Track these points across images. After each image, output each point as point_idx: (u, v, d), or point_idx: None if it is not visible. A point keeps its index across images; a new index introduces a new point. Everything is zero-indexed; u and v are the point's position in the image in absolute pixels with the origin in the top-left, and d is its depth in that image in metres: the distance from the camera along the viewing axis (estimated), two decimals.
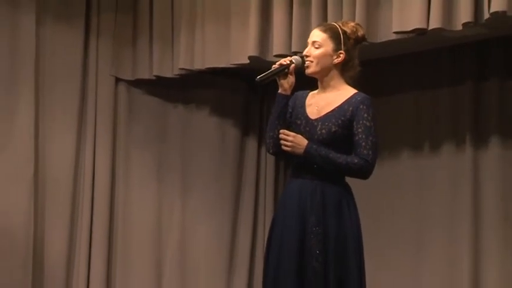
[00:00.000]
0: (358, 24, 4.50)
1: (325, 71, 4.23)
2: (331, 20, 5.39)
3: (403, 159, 6.29)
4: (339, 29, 4.25)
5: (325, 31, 4.24)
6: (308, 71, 4.22)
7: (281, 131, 4.20)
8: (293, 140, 4.15)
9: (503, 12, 4.85)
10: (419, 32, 5.24)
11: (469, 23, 5.02)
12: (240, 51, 5.95)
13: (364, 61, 5.11)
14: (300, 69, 4.25)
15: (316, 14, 5.61)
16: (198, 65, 6.21)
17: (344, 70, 4.26)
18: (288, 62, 4.21)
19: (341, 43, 4.21)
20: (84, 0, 6.56)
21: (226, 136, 6.82)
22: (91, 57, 6.59)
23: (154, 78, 6.53)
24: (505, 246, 5.78)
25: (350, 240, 4.18)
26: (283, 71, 4.21)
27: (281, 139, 4.18)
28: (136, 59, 6.59)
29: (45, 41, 6.43)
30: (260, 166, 6.86)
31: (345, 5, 5.51)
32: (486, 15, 4.96)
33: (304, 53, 4.25)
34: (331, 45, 4.19)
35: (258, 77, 4.21)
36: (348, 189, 4.27)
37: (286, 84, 4.22)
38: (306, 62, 4.22)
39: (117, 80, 6.65)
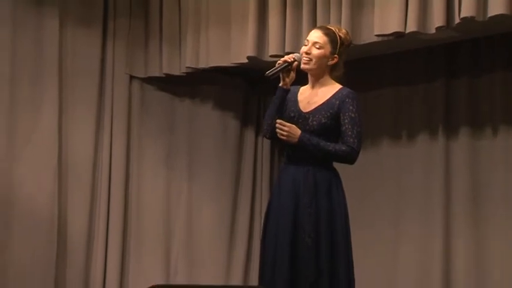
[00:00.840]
0: (348, 31, 4.53)
1: (319, 70, 4.26)
2: (320, 22, 5.44)
3: (383, 147, 6.27)
4: (337, 35, 4.28)
5: (326, 35, 4.27)
6: (305, 67, 4.24)
7: (277, 121, 4.19)
8: (288, 130, 4.16)
9: (472, 18, 4.89)
10: (398, 35, 5.25)
11: (441, 27, 5.06)
12: (239, 51, 5.96)
13: (350, 60, 5.11)
14: (298, 65, 4.25)
15: (306, 19, 5.62)
16: (203, 64, 6.21)
17: (332, 70, 4.30)
18: (292, 60, 4.22)
19: (337, 48, 4.26)
20: (102, 6, 6.54)
21: (228, 127, 6.83)
22: (108, 57, 6.58)
23: (164, 75, 6.53)
24: (473, 225, 5.79)
25: (338, 219, 4.20)
26: (287, 67, 4.21)
27: (277, 128, 4.16)
28: (148, 59, 6.59)
29: (67, 42, 6.41)
30: (257, 154, 6.86)
31: (332, 11, 5.51)
32: (457, 20, 4.99)
33: (305, 50, 4.25)
34: (329, 49, 4.24)
35: (267, 72, 4.23)
36: (336, 174, 4.29)
37: (288, 79, 4.23)
38: (305, 59, 4.22)
39: (131, 77, 6.64)
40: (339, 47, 4.27)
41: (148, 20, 6.60)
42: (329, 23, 5.42)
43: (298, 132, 4.16)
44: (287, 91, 4.26)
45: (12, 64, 6.20)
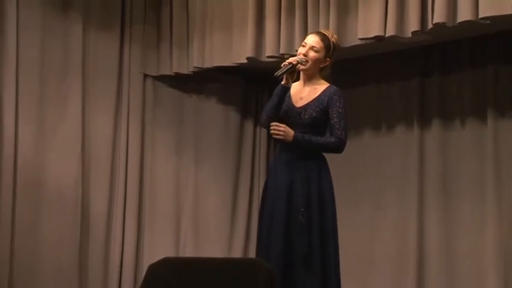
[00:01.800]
0: (337, 37, 4.53)
1: (313, 71, 4.26)
2: (310, 30, 5.40)
3: (365, 138, 6.29)
4: (331, 41, 4.28)
5: (322, 40, 4.26)
6: (302, 67, 4.21)
7: (272, 123, 4.15)
8: (284, 130, 4.13)
9: (443, 23, 4.92)
10: (378, 39, 5.26)
11: (416, 31, 5.08)
12: (239, 53, 5.96)
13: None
14: (300, 67, 4.23)
15: (298, 24, 5.60)
16: (208, 64, 6.21)
17: (322, 70, 4.30)
18: (296, 62, 4.20)
19: (330, 53, 4.26)
20: (120, 14, 6.53)
21: (229, 120, 6.85)
22: (125, 58, 6.57)
23: (173, 74, 6.53)
24: (443, 206, 5.83)
25: (327, 200, 4.22)
26: (292, 69, 4.19)
27: (272, 129, 4.14)
28: (160, 60, 6.60)
29: (90, 45, 6.39)
30: (255, 143, 6.88)
31: (321, 17, 5.49)
32: (430, 25, 5.02)
33: (303, 52, 4.22)
34: (324, 53, 4.24)
35: (276, 73, 4.19)
36: (324, 161, 4.29)
37: (291, 78, 4.22)
38: (304, 60, 4.20)
39: (145, 76, 6.64)
40: (331, 52, 4.29)
41: (160, 25, 6.61)
42: (318, 28, 5.43)
43: (292, 132, 4.15)
44: (288, 89, 4.25)
45: (41, 64, 6.19)
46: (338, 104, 4.21)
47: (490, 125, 5.63)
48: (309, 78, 4.31)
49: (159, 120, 6.70)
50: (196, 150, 6.75)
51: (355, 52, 5.75)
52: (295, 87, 4.33)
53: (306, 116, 4.23)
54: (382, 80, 6.21)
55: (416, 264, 5.86)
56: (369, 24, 5.26)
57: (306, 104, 4.26)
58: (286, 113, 4.26)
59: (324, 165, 4.28)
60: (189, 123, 6.77)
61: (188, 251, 6.55)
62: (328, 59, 4.28)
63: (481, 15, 4.82)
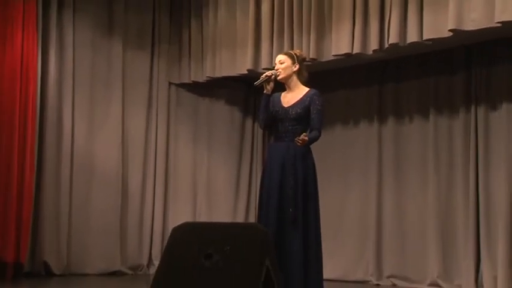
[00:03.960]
0: (301, 51, 4.51)
1: (288, 77, 4.15)
2: (296, 48, 5.37)
3: (337, 130, 6.23)
4: (292, 53, 4.22)
5: (285, 54, 4.22)
6: (279, 77, 4.14)
7: (303, 138, 3.96)
8: (305, 139, 3.94)
9: (397, 43, 4.93)
10: (347, 55, 5.26)
11: (376, 49, 5.08)
12: (242, 66, 5.94)
13: (316, 72, 5.28)
14: (275, 78, 4.15)
15: (286, 44, 5.60)
16: (217, 74, 6.19)
17: (299, 76, 4.18)
18: (271, 74, 4.14)
19: (295, 60, 4.15)
20: (150, 37, 6.53)
21: (234, 117, 6.82)
22: (154, 70, 6.57)
23: (191, 82, 6.53)
24: (396, 181, 5.81)
25: (311, 178, 4.13)
26: (268, 80, 4.13)
27: (301, 140, 3.96)
28: (181, 71, 6.58)
29: (128, 60, 6.41)
30: (254, 134, 6.85)
31: (303, 39, 5.49)
32: (386, 45, 5.02)
33: (276, 68, 4.16)
34: (290, 61, 4.14)
35: (255, 82, 4.15)
36: (309, 148, 4.17)
37: (269, 87, 4.15)
38: (277, 72, 4.13)
39: (170, 83, 6.63)
40: (296, 59, 4.19)
41: (181, 45, 6.61)
42: (301, 47, 5.44)
43: (306, 138, 4.00)
44: (269, 96, 4.19)
45: (91, 75, 6.21)
46: (317, 102, 4.12)
47: (431, 121, 5.64)
48: (290, 86, 4.22)
49: (180, 117, 6.69)
50: (209, 140, 6.74)
51: (330, 65, 5.73)
52: (284, 95, 4.26)
53: (293, 113, 4.14)
54: (350, 86, 6.20)
55: (376, 225, 5.86)
56: (340, 44, 5.28)
57: (293, 104, 4.16)
58: (278, 112, 4.18)
59: (308, 150, 4.17)
60: (203, 120, 6.75)
61: (202, 217, 6.54)
62: (296, 63, 4.19)
63: (424, 38, 4.85)
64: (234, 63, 6.03)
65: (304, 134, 3.98)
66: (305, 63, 4.29)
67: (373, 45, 5.07)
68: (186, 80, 6.56)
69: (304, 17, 5.51)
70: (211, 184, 6.66)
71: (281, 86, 4.29)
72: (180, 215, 6.32)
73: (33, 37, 5.66)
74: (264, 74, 4.19)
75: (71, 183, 6.00)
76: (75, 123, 6.08)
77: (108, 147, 6.25)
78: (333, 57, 5.38)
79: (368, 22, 5.13)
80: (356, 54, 5.20)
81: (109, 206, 6.18)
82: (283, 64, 4.18)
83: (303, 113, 4.13)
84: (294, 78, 4.19)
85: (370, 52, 5.14)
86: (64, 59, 6.03)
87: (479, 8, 4.51)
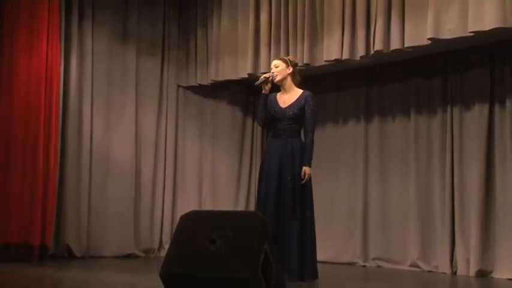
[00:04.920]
0: (294, 57, 4.58)
1: (284, 79, 4.22)
2: (291, 54, 5.38)
3: (328, 128, 6.21)
4: (286, 58, 4.32)
5: (279, 59, 4.34)
6: (276, 80, 4.21)
7: (307, 170, 4.05)
8: (309, 173, 4.08)
9: (381, 50, 4.93)
10: (337, 61, 5.25)
11: (363, 56, 5.07)
12: (243, 70, 5.90)
13: (310, 76, 5.30)
14: (272, 80, 4.24)
15: (283, 50, 5.59)
16: (221, 77, 6.16)
17: (293, 79, 4.25)
18: (269, 76, 4.22)
19: (288, 64, 4.23)
20: (161, 44, 6.47)
21: (236, 116, 6.76)
22: (164, 74, 6.51)
23: (197, 85, 6.49)
24: (381, 175, 5.78)
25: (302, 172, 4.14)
26: (266, 81, 4.21)
27: (306, 178, 4.05)
28: (188, 75, 6.55)
29: (141, 66, 6.37)
30: (253, 132, 6.77)
31: (298, 46, 5.48)
32: (372, 52, 5.01)
33: (272, 71, 4.24)
34: (284, 65, 4.24)
35: (255, 83, 4.24)
36: (303, 143, 4.23)
37: (267, 88, 4.23)
38: (274, 75, 4.22)
39: (178, 86, 6.58)
40: (290, 63, 4.27)
41: (188, 51, 6.58)
42: (296, 53, 5.45)
43: (308, 168, 4.09)
44: (267, 96, 4.25)
45: (108, 79, 6.20)
46: (311, 104, 4.20)
47: (412, 120, 5.63)
48: (287, 88, 4.26)
49: (187, 116, 6.66)
50: (213, 137, 6.71)
51: (322, 70, 5.72)
52: (280, 96, 4.30)
53: (290, 113, 4.20)
54: (339, 89, 6.18)
55: (362, 214, 5.84)
56: (331, 51, 5.26)
57: (289, 105, 4.23)
58: (276, 112, 4.23)
59: (303, 145, 4.20)
60: (208, 119, 6.71)
61: (207, 206, 6.51)
62: (290, 67, 4.25)
63: (406, 45, 4.86)
64: (236, 67, 6.01)
65: (305, 170, 4.03)
66: (298, 67, 4.31)
67: (360, 52, 5.08)
68: (192, 83, 6.56)
69: (299, 27, 5.52)
70: (215, 176, 6.65)
71: (277, 88, 4.30)
72: (187, 204, 6.31)
73: (57, 46, 5.67)
74: (263, 76, 4.24)
75: (90, 175, 6.00)
76: (94, 122, 6.09)
77: (123, 143, 6.24)
78: (324, 63, 5.37)
79: (355, 31, 5.13)
80: (345, 60, 5.21)
81: (124, 196, 6.18)
82: (278, 68, 4.23)
83: (299, 113, 4.17)
84: (289, 80, 4.24)
85: (358, 58, 5.15)
86: (84, 64, 6.04)
87: (454, 19, 4.54)
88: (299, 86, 4.32)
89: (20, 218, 5.42)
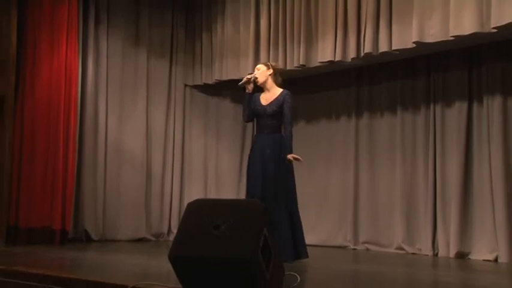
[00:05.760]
0: (275, 63, 4.59)
1: (265, 80, 4.26)
2: (288, 55, 5.45)
3: (322, 123, 6.20)
4: (267, 63, 4.39)
5: (261, 64, 4.38)
6: (259, 81, 4.25)
7: (292, 157, 4.02)
8: (297, 158, 4.04)
9: (370, 53, 4.93)
10: (330, 62, 5.24)
11: (354, 57, 5.07)
12: (244, 70, 5.79)
13: (306, 76, 5.30)
14: (254, 80, 4.28)
15: (281, 54, 5.59)
16: (224, 77, 6.13)
17: (274, 79, 4.28)
18: (251, 77, 4.26)
19: (269, 67, 4.27)
20: (169, 47, 6.46)
21: (237, 113, 6.34)
22: (173, 74, 6.51)
23: (203, 84, 6.48)
24: (370, 164, 5.78)
25: (289, 163, 4.14)
26: (249, 82, 4.26)
27: (293, 159, 4.01)
28: (195, 75, 6.54)
29: (151, 67, 6.37)
30: (254, 127, 6.37)
31: (294, 49, 5.47)
32: (362, 54, 5.02)
33: (254, 74, 4.29)
34: (265, 68, 4.28)
35: (239, 83, 4.27)
36: (282, 136, 4.21)
37: (250, 88, 4.26)
38: (255, 76, 4.26)
39: (185, 85, 6.57)
40: (270, 66, 4.31)
41: (194, 54, 6.57)
42: (293, 57, 5.45)
43: (288, 152, 4.08)
44: (250, 95, 4.29)
45: (121, 78, 6.21)
46: (289, 101, 4.21)
47: (398, 116, 5.63)
48: (269, 88, 4.30)
49: (193, 113, 6.64)
50: (217, 132, 6.68)
51: (317, 70, 5.69)
52: (263, 95, 4.32)
53: (270, 110, 4.22)
54: (333, 87, 6.15)
55: (353, 201, 5.85)
56: (325, 53, 5.26)
57: (270, 103, 4.26)
58: (258, 109, 4.26)
59: (283, 138, 4.20)
60: (212, 115, 6.68)
61: (212, 194, 6.50)
62: (270, 69, 4.29)
63: (393, 48, 4.86)
64: (238, 68, 6.01)
65: (289, 157, 4.02)
66: (280, 69, 4.35)
67: (351, 54, 5.09)
68: (198, 82, 6.55)
69: (295, 31, 5.52)
70: (218, 168, 6.65)
71: (262, 89, 4.30)
72: (193, 193, 6.32)
73: (75, 48, 5.69)
74: (246, 77, 4.27)
75: (105, 166, 6.02)
76: (108, 117, 6.10)
77: (134, 137, 6.26)
78: (319, 64, 5.38)
79: (347, 35, 5.14)
80: (338, 61, 5.22)
81: (136, 185, 6.19)
82: (259, 70, 4.30)
83: (278, 110, 4.19)
84: (270, 81, 4.28)
85: (349, 60, 5.16)
86: (99, 65, 6.05)
87: (437, 25, 4.56)
88: (280, 86, 4.34)
89: (43, 205, 5.45)
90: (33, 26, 5.63)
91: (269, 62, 4.64)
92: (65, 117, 5.57)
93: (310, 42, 5.42)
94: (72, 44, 5.64)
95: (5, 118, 5.47)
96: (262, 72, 4.29)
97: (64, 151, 5.54)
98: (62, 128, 5.54)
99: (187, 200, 5.63)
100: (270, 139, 4.17)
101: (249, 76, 4.30)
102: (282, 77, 4.37)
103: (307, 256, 4.15)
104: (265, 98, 4.28)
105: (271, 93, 4.27)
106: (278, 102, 4.22)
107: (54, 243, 5.39)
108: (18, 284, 3.01)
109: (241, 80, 4.39)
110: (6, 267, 3.23)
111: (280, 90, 4.29)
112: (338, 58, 5.16)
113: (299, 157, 4.09)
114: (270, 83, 4.28)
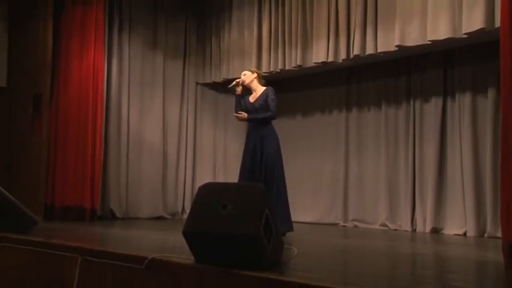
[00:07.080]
0: (257, 69, 4.66)
1: (251, 82, 4.31)
2: (286, 57, 5.41)
3: (315, 117, 6.13)
4: (251, 69, 4.42)
5: (248, 69, 4.42)
6: (244, 82, 4.30)
7: (239, 112, 4.21)
8: (243, 116, 4.21)
9: (359, 55, 4.92)
10: (324, 63, 5.22)
11: (344, 59, 5.05)
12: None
13: (301, 76, 5.30)
14: (242, 83, 4.31)
15: (280, 55, 5.56)
16: (231, 76, 6.01)
17: (258, 81, 4.33)
18: (239, 81, 4.32)
19: (253, 71, 4.33)
20: (183, 50, 6.45)
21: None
22: (186, 74, 6.50)
23: (212, 82, 6.45)
24: (358, 154, 5.73)
25: (275, 148, 4.13)
26: (237, 84, 4.31)
27: (238, 117, 4.23)
28: (205, 74, 6.52)
29: (167, 68, 6.34)
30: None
31: (292, 50, 5.46)
32: (352, 56, 5.00)
33: (242, 78, 4.32)
34: (249, 72, 4.34)
35: (228, 86, 4.31)
36: (272, 129, 4.21)
37: (239, 90, 4.30)
38: (242, 79, 4.31)
39: (197, 83, 6.55)
40: (254, 71, 4.37)
41: (205, 55, 6.54)
42: (291, 58, 5.43)
43: (245, 115, 4.20)
44: (240, 96, 4.33)
45: (141, 79, 6.20)
46: (271, 94, 4.22)
47: (383, 111, 5.62)
48: (255, 88, 4.35)
49: (204, 107, 6.62)
50: (225, 124, 6.63)
51: (312, 70, 5.65)
52: (250, 96, 4.36)
53: (257, 105, 4.25)
54: (326, 85, 6.10)
55: (343, 184, 5.82)
56: (319, 55, 5.24)
57: (256, 99, 4.29)
58: (247, 107, 4.30)
59: (270, 130, 4.19)
60: (221, 109, 6.63)
61: (220, 178, 6.50)
62: (254, 74, 4.34)
63: (378, 51, 4.86)
64: (243, 68, 5.66)
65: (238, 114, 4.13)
66: (261, 73, 4.40)
67: (342, 55, 5.09)
68: (208, 81, 6.55)
69: (293, 35, 5.52)
70: (226, 155, 6.63)
71: (249, 91, 4.33)
72: (204, 177, 6.31)
73: (101, 51, 5.70)
74: (235, 81, 4.34)
75: (127, 154, 6.04)
76: (130, 112, 6.10)
77: (153, 129, 6.26)
78: (313, 64, 5.36)
79: (338, 39, 5.13)
80: (330, 62, 5.21)
81: (154, 170, 6.20)
82: (245, 75, 4.36)
83: (264, 104, 4.21)
84: (255, 82, 4.34)
85: (340, 61, 5.15)
86: (122, 66, 6.07)
87: (416, 30, 4.57)
88: (264, 85, 4.37)
89: (75, 187, 5.49)
90: (65, 33, 5.67)
91: (252, 68, 4.74)
92: (93, 112, 5.60)
93: (306, 45, 5.42)
94: (99, 48, 5.66)
95: (42, 113, 5.55)
96: (248, 76, 4.35)
97: (92, 141, 5.58)
98: (90, 121, 5.57)
99: (198, 184, 5.81)
100: (259, 132, 4.19)
101: (237, 80, 4.36)
102: (264, 79, 4.43)
103: (292, 229, 4.16)
104: (253, 97, 4.34)
105: (257, 92, 4.32)
106: (263, 97, 4.26)
107: (85, 220, 5.43)
108: (56, 255, 3.06)
109: (231, 82, 4.42)
110: (45, 239, 3.28)
111: (264, 88, 4.32)
112: (330, 59, 5.16)
113: (243, 117, 4.14)
114: (256, 84, 4.33)
